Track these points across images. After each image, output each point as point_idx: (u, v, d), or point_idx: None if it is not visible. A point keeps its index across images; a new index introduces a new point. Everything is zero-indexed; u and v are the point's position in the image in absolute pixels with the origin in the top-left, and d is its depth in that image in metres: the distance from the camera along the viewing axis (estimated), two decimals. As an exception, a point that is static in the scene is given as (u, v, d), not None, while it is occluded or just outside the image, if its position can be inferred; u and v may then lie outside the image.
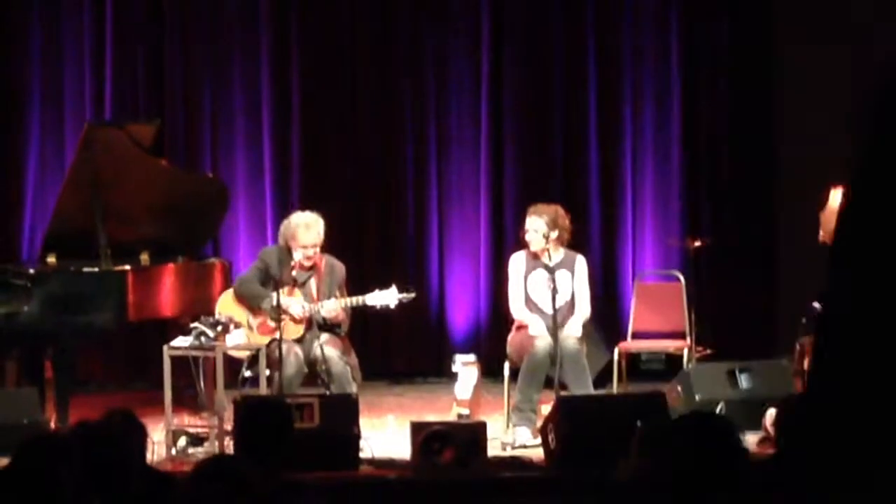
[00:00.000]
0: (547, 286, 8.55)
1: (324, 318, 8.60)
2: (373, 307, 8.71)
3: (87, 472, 4.00)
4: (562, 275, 8.57)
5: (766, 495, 3.82)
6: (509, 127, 11.52)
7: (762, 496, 3.91)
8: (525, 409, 8.38)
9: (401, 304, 8.73)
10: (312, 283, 8.71)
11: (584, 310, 8.67)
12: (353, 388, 8.40)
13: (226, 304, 8.81)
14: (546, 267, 8.58)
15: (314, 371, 8.55)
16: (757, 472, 3.88)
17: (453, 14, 11.47)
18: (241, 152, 11.44)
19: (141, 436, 4.72)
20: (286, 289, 8.52)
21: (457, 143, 11.54)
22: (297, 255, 8.59)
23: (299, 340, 8.54)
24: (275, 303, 8.34)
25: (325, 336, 8.59)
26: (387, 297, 8.63)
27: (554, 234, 8.54)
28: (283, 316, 8.38)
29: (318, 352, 8.44)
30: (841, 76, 10.83)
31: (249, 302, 8.60)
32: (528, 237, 8.63)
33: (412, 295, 8.81)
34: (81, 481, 3.88)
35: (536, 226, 8.57)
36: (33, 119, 11.27)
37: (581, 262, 8.72)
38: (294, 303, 8.56)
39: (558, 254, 8.63)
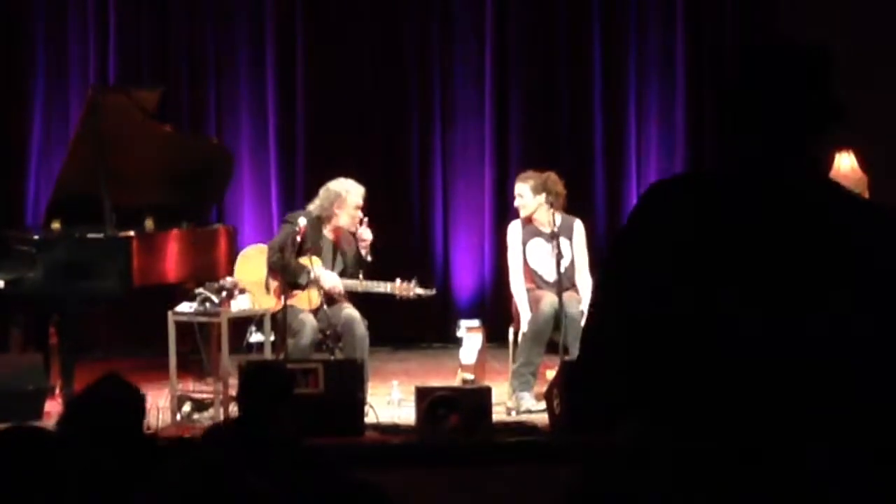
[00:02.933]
0: (550, 254, 8.54)
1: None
2: (392, 296, 8.71)
3: (91, 446, 4.00)
4: (560, 241, 8.54)
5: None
6: (514, 93, 11.51)
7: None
8: (525, 374, 8.37)
9: (416, 293, 8.72)
10: (330, 250, 8.75)
11: (585, 281, 8.62)
12: (367, 354, 8.43)
13: (244, 266, 8.85)
14: (543, 235, 8.57)
15: (323, 340, 8.56)
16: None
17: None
18: (246, 118, 11.43)
19: (136, 398, 4.70)
20: (309, 255, 8.56)
21: (462, 109, 11.53)
22: (344, 220, 8.64)
23: (315, 311, 8.54)
24: (312, 277, 8.42)
25: (347, 303, 8.66)
26: (407, 290, 8.65)
27: (540, 199, 8.52)
28: (313, 287, 8.44)
29: (339, 315, 8.47)
30: (844, 44, 10.80)
31: (286, 277, 8.54)
32: (515, 203, 8.67)
33: (432, 292, 8.87)
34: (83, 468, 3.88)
35: (521, 191, 8.62)
36: (37, 84, 11.25)
37: (579, 226, 8.70)
38: (329, 276, 8.58)
39: (555, 219, 8.57)
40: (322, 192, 8.75)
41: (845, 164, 9.89)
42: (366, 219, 8.72)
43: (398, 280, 8.66)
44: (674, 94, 11.46)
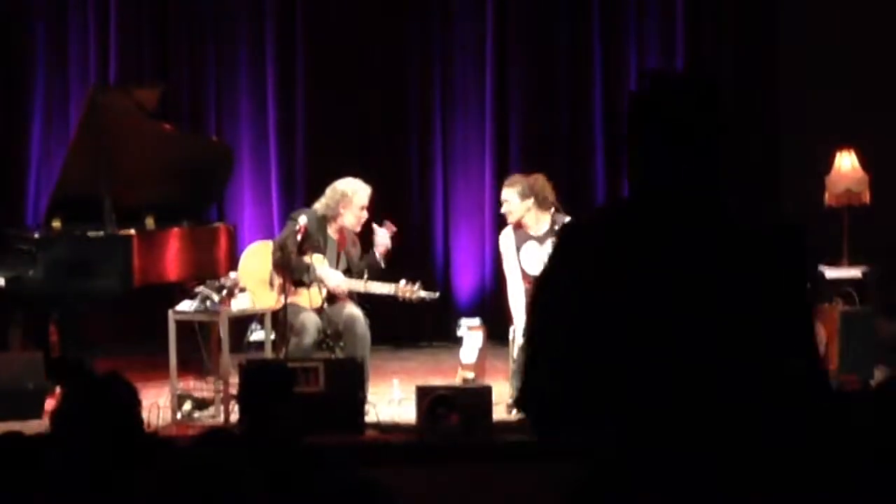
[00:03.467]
0: (546, 256, 8.50)
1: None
2: (394, 297, 8.69)
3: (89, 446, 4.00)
4: (552, 243, 8.48)
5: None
6: (514, 93, 11.50)
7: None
8: (524, 373, 8.33)
9: (419, 296, 8.69)
10: (334, 249, 8.74)
11: None
12: (368, 353, 8.41)
13: (249, 261, 8.85)
14: (535, 238, 8.53)
15: (325, 338, 8.54)
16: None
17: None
18: (246, 116, 11.43)
19: (132, 397, 4.70)
20: (312, 253, 8.55)
21: (462, 109, 11.53)
22: (350, 219, 8.63)
23: (318, 310, 8.52)
24: (314, 274, 8.40)
25: (350, 302, 8.65)
26: (411, 293, 8.63)
27: (528, 203, 8.44)
28: (316, 285, 8.43)
29: (341, 314, 8.46)
30: (846, 42, 10.81)
31: (290, 273, 8.50)
32: (502, 210, 8.59)
33: (435, 296, 8.83)
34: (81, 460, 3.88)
35: (508, 197, 8.51)
36: (38, 82, 11.26)
37: None
38: (333, 275, 8.57)
39: (545, 221, 8.52)
40: (329, 190, 8.73)
41: (846, 164, 9.88)
42: (387, 223, 8.68)
43: (402, 282, 8.64)
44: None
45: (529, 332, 3.03)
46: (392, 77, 11.50)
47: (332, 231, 8.70)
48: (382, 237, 8.67)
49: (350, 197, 8.63)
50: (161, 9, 11.38)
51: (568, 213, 8.61)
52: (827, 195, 9.90)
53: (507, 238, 8.64)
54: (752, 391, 2.83)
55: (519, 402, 3.22)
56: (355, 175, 8.81)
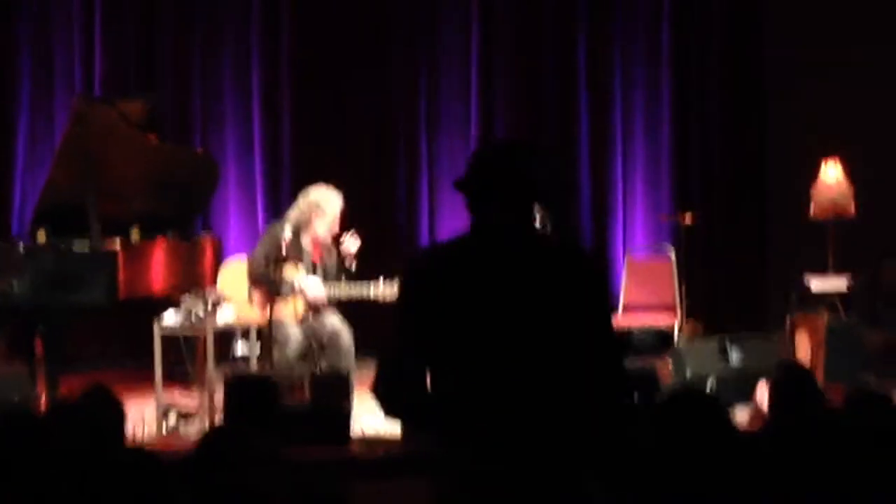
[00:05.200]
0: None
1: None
2: (375, 300, 8.68)
3: (64, 449, 3.99)
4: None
5: (755, 470, 3.92)
6: (500, 99, 11.52)
7: (751, 471, 3.99)
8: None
9: None
10: (310, 258, 8.73)
11: None
12: (354, 365, 8.40)
13: (227, 279, 8.83)
14: None
15: (309, 350, 8.53)
16: (745, 448, 3.97)
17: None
18: (231, 128, 11.42)
19: (117, 410, 4.68)
20: (292, 264, 8.53)
21: (447, 115, 11.54)
22: (322, 229, 8.63)
23: (301, 321, 8.51)
24: (296, 287, 8.38)
25: (332, 312, 8.63)
26: (389, 290, 8.62)
27: None
28: (298, 296, 8.41)
29: (324, 326, 8.45)
30: (832, 53, 10.83)
31: (270, 287, 8.51)
32: None
33: None
34: (59, 459, 3.87)
35: None
36: (23, 94, 11.23)
37: None
38: (313, 284, 8.56)
39: None
40: (301, 198, 8.74)
41: (831, 175, 9.89)
42: (352, 231, 8.69)
43: (381, 279, 8.64)
44: (660, 102, 11.48)
45: (391, 341, 3.72)
46: (378, 88, 11.51)
47: (306, 242, 8.68)
48: (351, 246, 8.66)
49: (322, 207, 8.63)
50: (146, 19, 11.36)
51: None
52: (812, 207, 9.92)
53: None
54: (568, 386, 3.47)
55: (373, 388, 3.91)
56: (342, 184, 8.81)
